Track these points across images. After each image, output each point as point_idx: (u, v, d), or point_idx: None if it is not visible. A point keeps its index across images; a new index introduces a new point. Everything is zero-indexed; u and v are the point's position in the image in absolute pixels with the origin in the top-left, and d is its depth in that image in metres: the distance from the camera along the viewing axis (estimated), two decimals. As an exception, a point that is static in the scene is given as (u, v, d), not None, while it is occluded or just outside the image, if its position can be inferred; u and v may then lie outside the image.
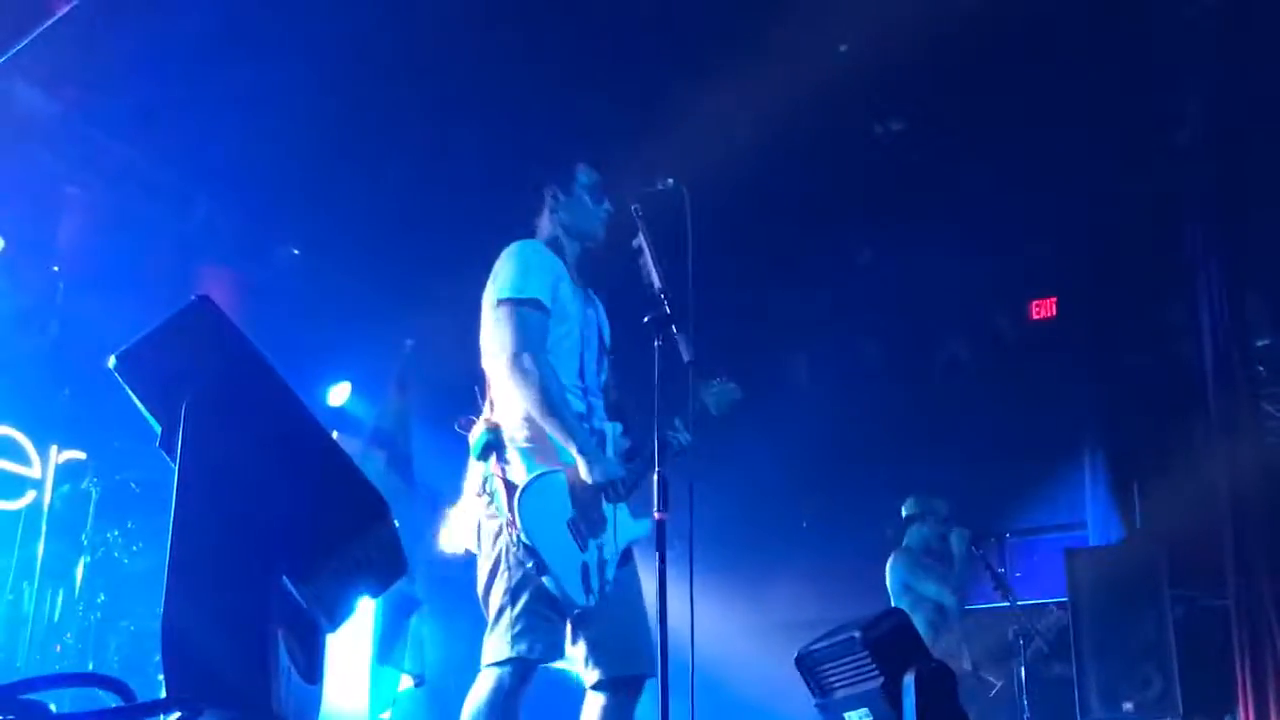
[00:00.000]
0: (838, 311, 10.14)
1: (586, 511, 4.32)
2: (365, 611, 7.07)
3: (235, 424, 2.17)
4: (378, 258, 8.57)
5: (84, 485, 6.60)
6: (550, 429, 4.34)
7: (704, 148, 6.61)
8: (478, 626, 4.39)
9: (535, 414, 4.33)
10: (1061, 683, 8.80)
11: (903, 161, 9.32)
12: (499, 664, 4.20)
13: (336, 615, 2.44)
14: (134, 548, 6.65)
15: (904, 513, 8.28)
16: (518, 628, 4.19)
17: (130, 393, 2.27)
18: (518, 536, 4.12)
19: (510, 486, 4.21)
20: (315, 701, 2.37)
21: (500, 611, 4.24)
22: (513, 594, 4.23)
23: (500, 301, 4.45)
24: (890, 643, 4.01)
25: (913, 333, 10.37)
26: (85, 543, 6.48)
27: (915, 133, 9.24)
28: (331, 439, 2.26)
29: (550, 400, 4.33)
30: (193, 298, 2.32)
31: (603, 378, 4.68)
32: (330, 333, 8.60)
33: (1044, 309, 10.17)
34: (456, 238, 7.17)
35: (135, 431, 6.94)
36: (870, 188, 9.39)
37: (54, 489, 6.56)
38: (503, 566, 4.26)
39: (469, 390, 4.69)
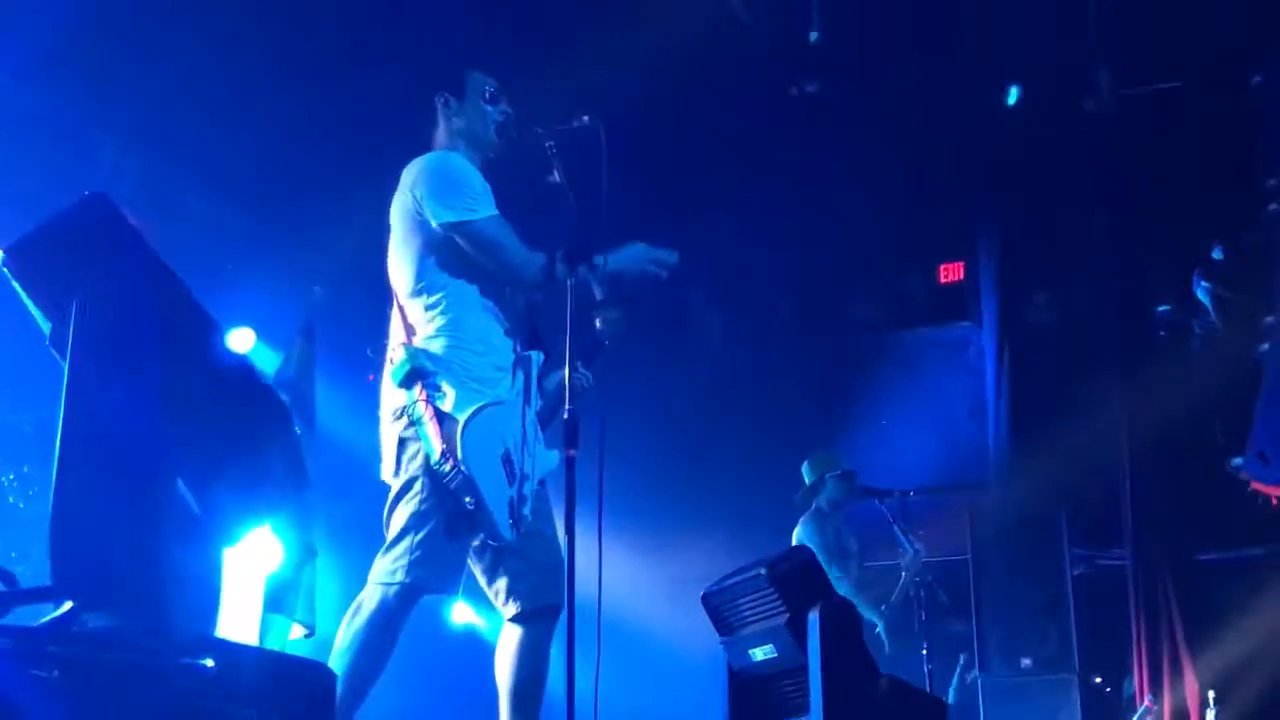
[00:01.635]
0: (750, 269, 10.16)
1: (517, 445, 4.28)
2: (260, 558, 6.92)
3: (129, 322, 2.10)
4: (285, 202, 8.41)
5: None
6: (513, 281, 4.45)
7: (622, 92, 6.54)
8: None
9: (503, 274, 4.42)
10: (960, 641, 8.94)
11: (817, 124, 9.37)
12: (387, 584, 4.14)
13: (234, 528, 2.37)
14: (30, 492, 6.47)
15: (806, 480, 8.16)
16: (415, 554, 4.13)
17: (19, 289, 2.18)
18: (457, 469, 4.05)
19: (444, 417, 4.14)
20: (211, 615, 2.31)
21: (402, 534, 4.17)
22: (418, 519, 4.15)
23: (457, 224, 4.35)
24: (796, 579, 4.03)
25: (824, 292, 10.43)
26: (-21, 486, 6.31)
27: (829, 95, 9.28)
28: (229, 345, 2.18)
29: (515, 262, 4.42)
30: (86, 194, 2.24)
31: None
32: (234, 278, 8.43)
33: (952, 273, 10.27)
34: (364, 181, 7.07)
35: (29, 372, 6.80)
36: (786, 148, 9.41)
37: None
38: (415, 489, 4.18)
39: (376, 336, 4.62)
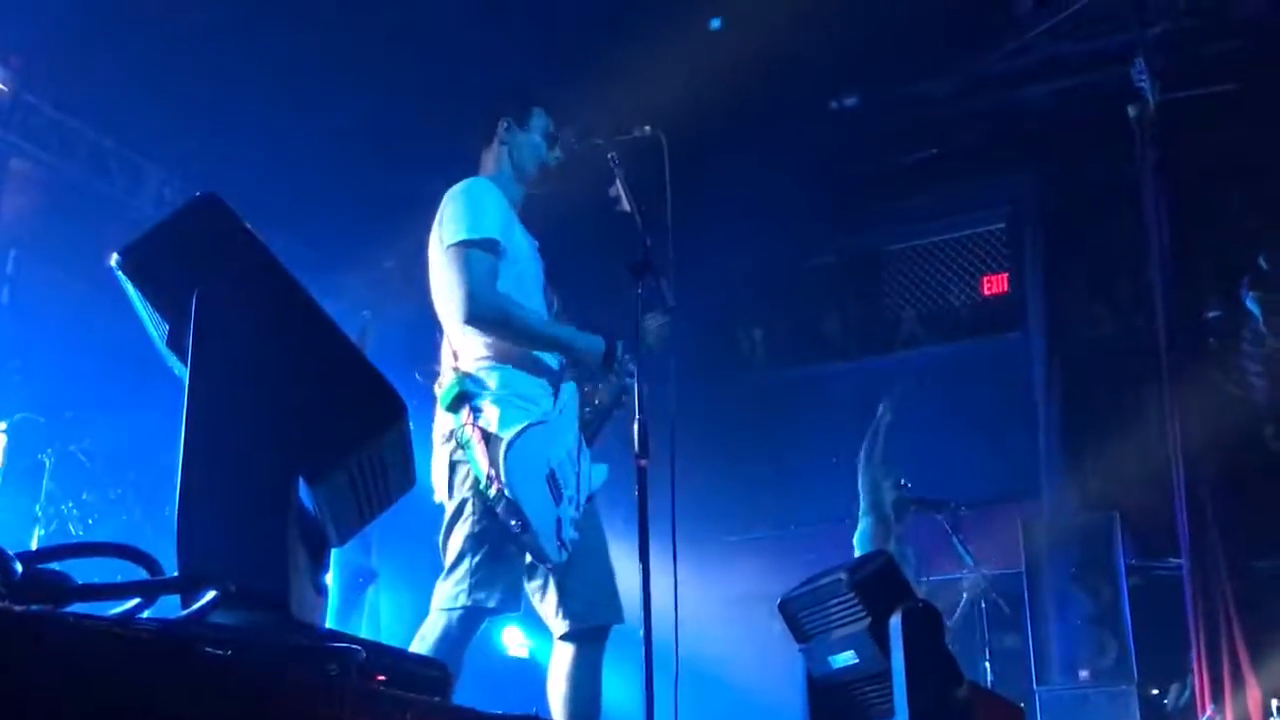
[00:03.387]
0: (793, 281, 10.16)
1: (561, 464, 4.26)
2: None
3: (249, 317, 2.10)
4: (332, 227, 8.47)
5: (39, 456, 6.42)
6: (546, 349, 4.30)
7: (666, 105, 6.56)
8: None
9: (524, 344, 4.26)
10: (1015, 654, 8.86)
11: (857, 138, 9.38)
12: (450, 609, 4.13)
13: (344, 527, 2.36)
14: (89, 520, 6.49)
15: (863, 492, 8.13)
16: (476, 576, 4.12)
17: (132, 291, 2.18)
18: (502, 492, 4.03)
19: (489, 438, 4.11)
20: (323, 614, 2.30)
21: (460, 558, 4.16)
22: (474, 541, 4.14)
23: (450, 246, 4.28)
24: (877, 584, 3.98)
25: (869, 307, 10.43)
26: (40, 514, 6.31)
27: (868, 109, 9.30)
28: (347, 337, 2.18)
29: (525, 327, 4.27)
30: (198, 194, 2.25)
31: (552, 316, 4.59)
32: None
33: (996, 284, 10.27)
34: (411, 202, 7.09)
35: (86, 401, 6.84)
36: (826, 160, 9.43)
37: (7, 459, 6.36)
38: (467, 511, 4.17)
39: (428, 360, 4.62)
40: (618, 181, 4.53)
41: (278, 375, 2.09)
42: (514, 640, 9.22)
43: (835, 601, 4.09)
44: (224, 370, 2.06)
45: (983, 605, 7.91)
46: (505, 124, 4.62)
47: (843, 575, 4.03)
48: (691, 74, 7.41)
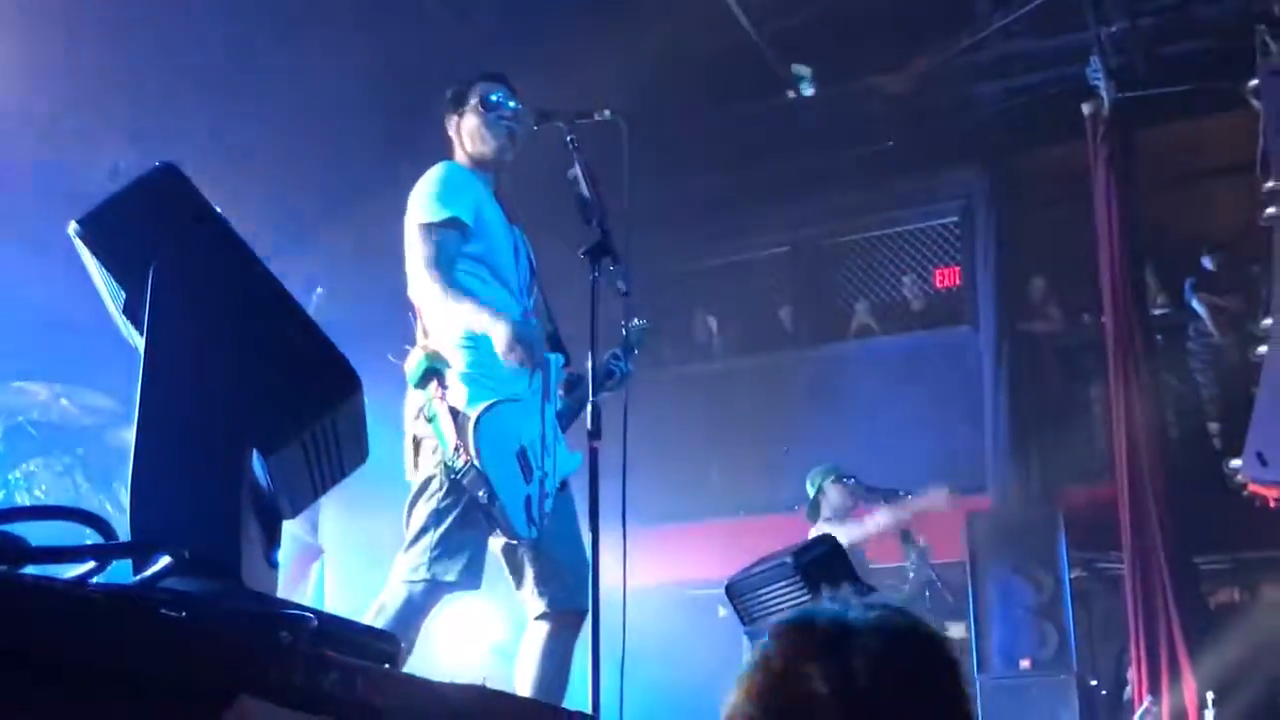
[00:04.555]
0: (748, 270, 10.20)
1: (534, 443, 4.28)
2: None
3: (205, 287, 2.10)
4: (285, 204, 8.40)
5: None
6: (476, 324, 4.23)
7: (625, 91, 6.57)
8: (380, 576, 4.32)
9: (456, 314, 4.24)
10: (957, 643, 8.95)
11: (813, 129, 9.43)
12: (411, 582, 4.15)
13: (297, 499, 2.38)
14: (36, 491, 6.43)
15: (810, 492, 8.14)
16: (437, 550, 4.14)
17: (91, 260, 2.18)
18: (470, 463, 4.05)
19: (457, 414, 4.14)
20: (273, 585, 2.32)
21: (422, 531, 4.18)
22: (437, 516, 4.17)
23: (415, 226, 4.35)
24: (822, 567, 4.02)
25: (823, 298, 10.49)
26: (-13, 483, 6.26)
27: (825, 101, 9.35)
28: (303, 309, 2.19)
29: (459, 297, 4.24)
30: (157, 164, 2.25)
31: (532, 303, 4.60)
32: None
33: (948, 277, 10.36)
34: (366, 181, 7.07)
35: (34, 372, 6.77)
36: (783, 150, 9.47)
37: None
38: (433, 486, 4.19)
39: (379, 338, 4.61)
40: (576, 164, 4.51)
41: (234, 346, 2.10)
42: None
43: (781, 585, 4.13)
44: (180, 340, 2.06)
45: (927, 595, 7.98)
46: (448, 120, 4.65)
47: (788, 559, 4.06)
48: (650, 62, 7.43)
